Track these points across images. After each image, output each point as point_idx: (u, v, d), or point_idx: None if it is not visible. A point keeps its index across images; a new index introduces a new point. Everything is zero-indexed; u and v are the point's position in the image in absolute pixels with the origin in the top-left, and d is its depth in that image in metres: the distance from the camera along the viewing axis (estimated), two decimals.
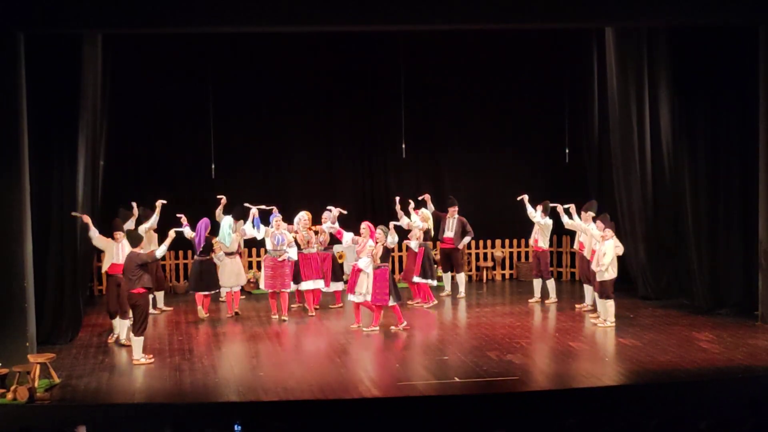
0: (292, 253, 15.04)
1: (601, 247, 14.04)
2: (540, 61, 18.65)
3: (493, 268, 18.72)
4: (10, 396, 10.86)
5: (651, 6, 13.31)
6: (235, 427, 8.92)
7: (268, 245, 15.02)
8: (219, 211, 15.90)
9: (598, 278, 14.09)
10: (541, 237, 15.92)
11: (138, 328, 12.49)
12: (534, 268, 16.23)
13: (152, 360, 12.61)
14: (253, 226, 15.06)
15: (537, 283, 16.19)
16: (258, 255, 17.67)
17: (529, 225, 16.27)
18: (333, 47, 17.97)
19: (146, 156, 17.98)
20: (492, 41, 17.85)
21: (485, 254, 18.78)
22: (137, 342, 12.56)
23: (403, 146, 17.98)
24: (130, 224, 14.69)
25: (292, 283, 15.23)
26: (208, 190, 17.20)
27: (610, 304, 14.19)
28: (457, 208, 16.63)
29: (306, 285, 15.35)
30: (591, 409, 10.65)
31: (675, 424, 8.51)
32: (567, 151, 18.38)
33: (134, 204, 15.39)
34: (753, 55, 14.06)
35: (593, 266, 14.22)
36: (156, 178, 17.72)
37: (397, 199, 15.97)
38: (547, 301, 16.12)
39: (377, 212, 17.84)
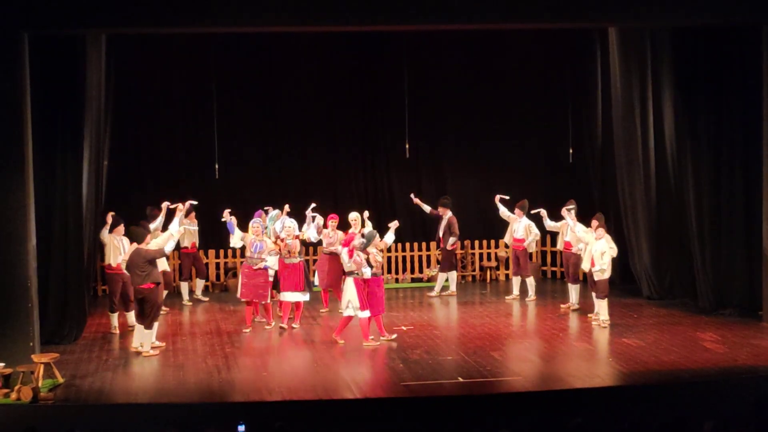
0: (271, 262, 14.23)
1: (595, 246, 14.02)
2: (543, 61, 18.66)
3: (497, 267, 18.70)
4: (13, 396, 10.86)
5: (654, 6, 13.30)
6: (239, 427, 8.91)
7: (247, 252, 14.36)
8: (181, 216, 15.79)
9: (596, 278, 14.06)
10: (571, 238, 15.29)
11: (147, 322, 12.78)
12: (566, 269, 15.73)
13: (163, 345, 13.06)
14: (229, 231, 14.59)
15: (572, 288, 15.54)
16: None
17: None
18: (336, 46, 18.00)
19: (150, 156, 18.02)
20: (495, 41, 17.85)
21: (489, 254, 18.77)
22: (147, 335, 12.81)
23: (406, 145, 17.98)
24: (155, 225, 14.80)
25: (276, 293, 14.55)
26: (211, 190, 17.23)
27: (606, 303, 14.20)
28: (447, 209, 16.65)
29: (285, 296, 14.32)
30: (595, 409, 10.64)
31: (679, 425, 8.50)
32: (570, 151, 18.36)
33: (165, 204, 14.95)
34: (756, 55, 14.05)
35: (584, 266, 14.18)
36: (159, 178, 17.78)
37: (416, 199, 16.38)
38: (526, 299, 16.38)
39: (379, 211, 17.84)
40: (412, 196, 17.09)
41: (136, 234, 13.00)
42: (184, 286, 16.79)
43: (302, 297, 14.41)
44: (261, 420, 9.69)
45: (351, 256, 13.13)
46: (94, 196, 14.37)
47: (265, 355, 13.14)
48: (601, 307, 14.21)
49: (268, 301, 14.44)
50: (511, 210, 16.37)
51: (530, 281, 16.44)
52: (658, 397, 10.96)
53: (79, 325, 13.85)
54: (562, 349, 13.13)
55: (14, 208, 12.17)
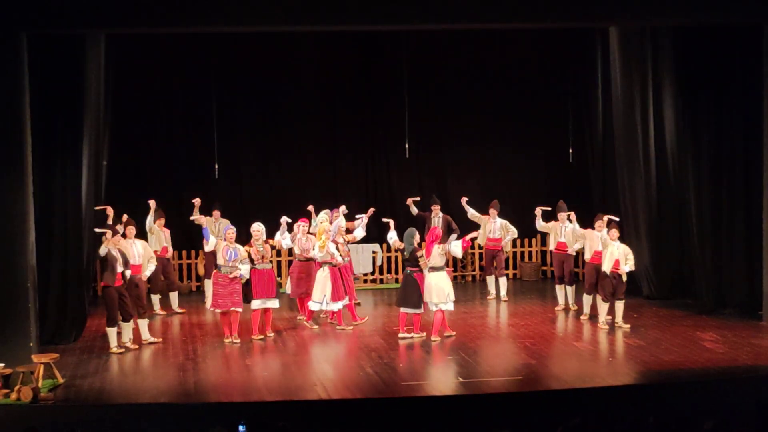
0: (245, 271, 13.54)
1: (616, 248, 13.85)
2: (544, 60, 18.65)
3: (496, 268, 18.63)
4: (14, 396, 10.86)
5: (655, 5, 13.30)
6: (240, 427, 8.91)
7: (219, 260, 13.57)
8: (195, 214, 15.80)
9: (624, 279, 13.96)
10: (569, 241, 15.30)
11: (107, 319, 13.11)
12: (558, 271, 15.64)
13: (127, 346, 13.19)
14: (203, 237, 14.22)
15: (569, 290, 15.59)
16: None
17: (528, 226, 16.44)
18: (336, 46, 17.99)
19: (149, 156, 18.00)
20: (496, 41, 17.86)
21: None
22: (110, 332, 13.12)
23: (406, 146, 18.00)
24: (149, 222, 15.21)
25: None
26: (211, 190, 17.22)
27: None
28: (439, 207, 16.66)
29: (255, 304, 13.78)
30: (595, 409, 10.63)
31: (679, 424, 8.49)
32: (571, 151, 18.37)
33: (152, 202, 15.50)
34: (757, 54, 14.05)
35: (605, 267, 14.00)
36: (159, 178, 17.77)
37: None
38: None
39: (379, 212, 17.81)
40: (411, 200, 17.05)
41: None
42: (208, 284, 16.74)
43: (273, 304, 13.95)
44: (261, 420, 9.68)
45: (465, 248, 13.76)
46: (94, 196, 14.37)
47: (266, 354, 13.13)
48: (618, 308, 14.09)
49: (241, 309, 13.72)
50: (483, 212, 16.39)
51: (503, 281, 16.49)
52: (658, 397, 10.95)
53: (79, 325, 13.85)
54: (562, 349, 13.12)
55: (14, 208, 12.17)
